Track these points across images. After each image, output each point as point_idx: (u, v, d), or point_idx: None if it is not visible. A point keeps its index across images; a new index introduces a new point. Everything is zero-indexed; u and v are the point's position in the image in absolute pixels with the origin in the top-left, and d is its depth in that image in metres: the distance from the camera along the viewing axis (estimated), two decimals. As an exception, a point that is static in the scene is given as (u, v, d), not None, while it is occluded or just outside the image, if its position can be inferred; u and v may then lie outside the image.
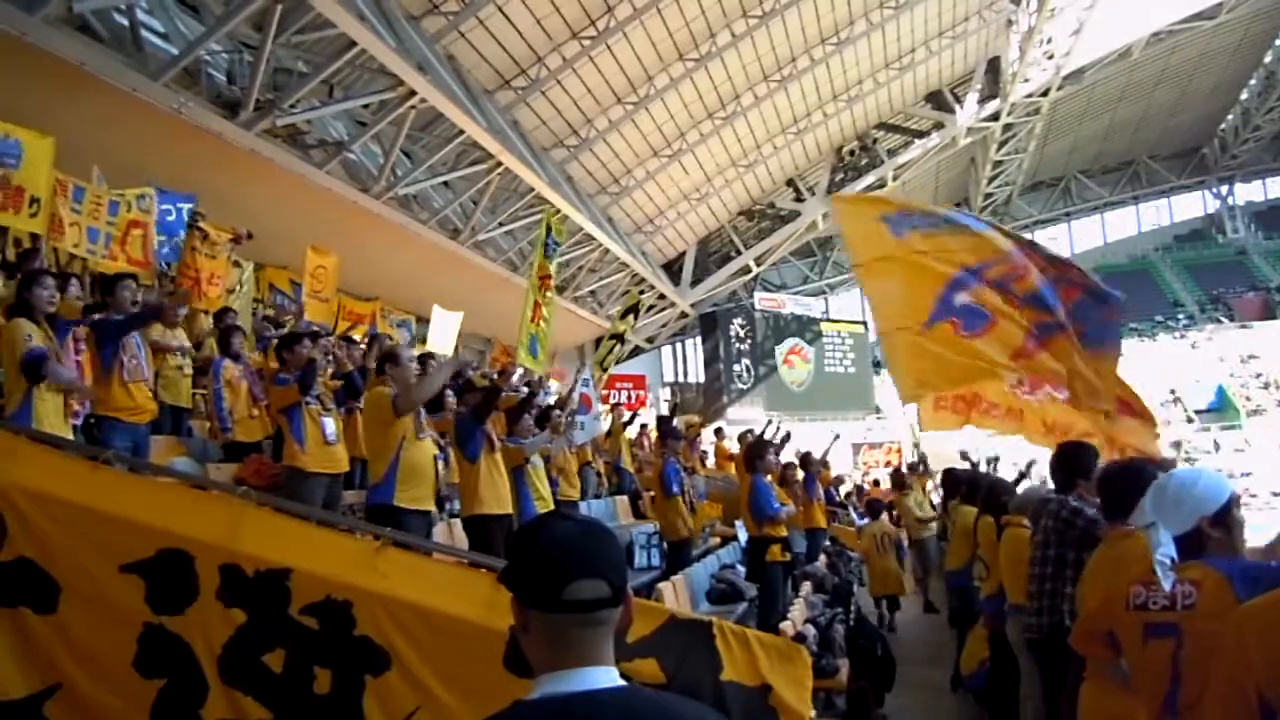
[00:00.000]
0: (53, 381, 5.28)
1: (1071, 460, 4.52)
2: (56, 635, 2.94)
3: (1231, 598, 2.48)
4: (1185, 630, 2.59)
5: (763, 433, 12.67)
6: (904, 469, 15.55)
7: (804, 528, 11.93)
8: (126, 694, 2.93)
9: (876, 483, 24.69)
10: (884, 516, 13.71)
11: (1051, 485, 4.70)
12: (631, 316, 16.55)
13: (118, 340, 6.12)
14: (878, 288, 4.98)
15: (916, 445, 16.33)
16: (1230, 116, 46.41)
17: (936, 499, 13.88)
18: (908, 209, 4.96)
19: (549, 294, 8.68)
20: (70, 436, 5.57)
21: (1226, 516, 2.70)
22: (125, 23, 11.80)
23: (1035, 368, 4.68)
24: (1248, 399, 39.10)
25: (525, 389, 9.99)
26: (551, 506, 8.01)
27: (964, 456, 11.19)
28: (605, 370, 16.13)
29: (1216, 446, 36.61)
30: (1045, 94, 31.77)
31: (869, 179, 30.08)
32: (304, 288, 12.16)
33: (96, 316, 6.33)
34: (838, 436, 14.19)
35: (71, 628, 2.95)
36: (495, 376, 9.07)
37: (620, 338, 15.47)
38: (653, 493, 12.03)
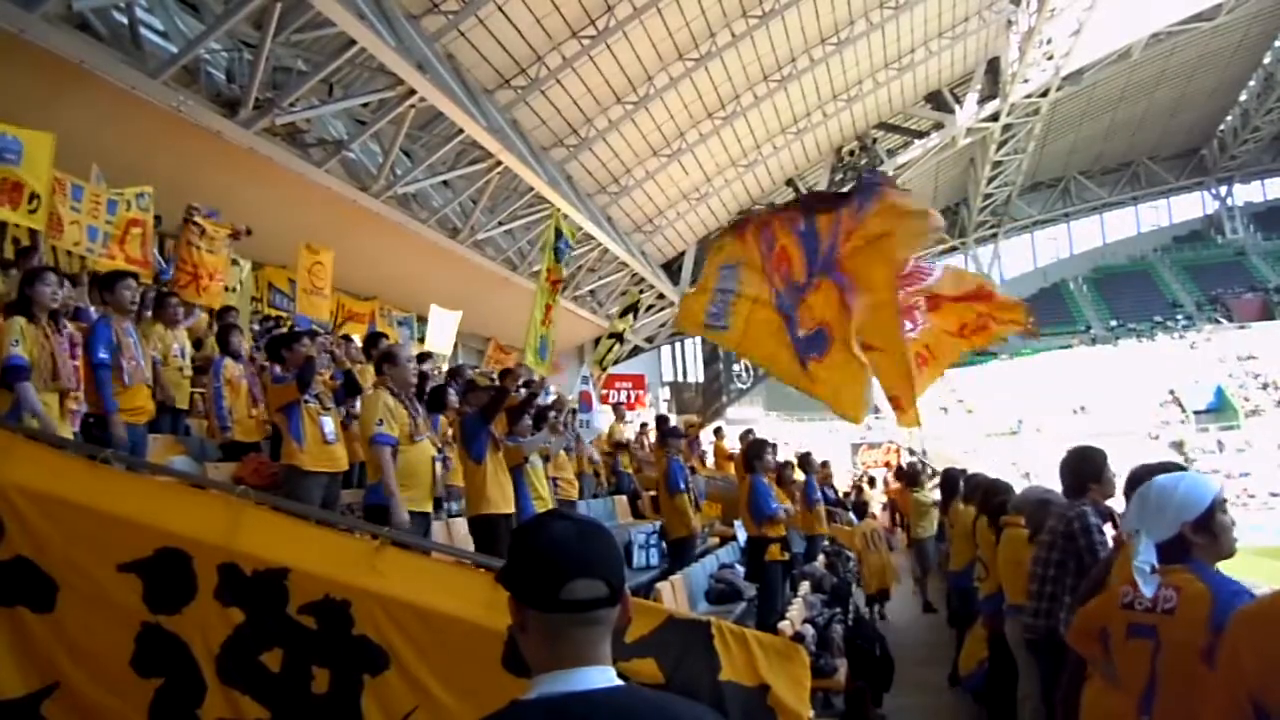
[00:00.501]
0: (23, 400, 5.19)
1: (1080, 465, 4.48)
2: (54, 634, 2.93)
3: (1207, 612, 2.50)
4: (1161, 634, 2.61)
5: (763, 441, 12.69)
6: (915, 467, 15.54)
7: (804, 532, 11.93)
8: (124, 693, 2.92)
9: (871, 481, 24.74)
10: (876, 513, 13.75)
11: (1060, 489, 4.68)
12: (631, 315, 16.58)
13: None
14: (762, 358, 4.97)
15: (912, 451, 16.31)
16: (1229, 117, 46.52)
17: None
18: (707, 278, 4.94)
19: (557, 296, 8.67)
20: (69, 433, 5.55)
21: (1210, 521, 2.71)
22: (124, 20, 11.79)
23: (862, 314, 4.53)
24: (1246, 399, 39.17)
25: (524, 389, 9.99)
26: (550, 506, 8.01)
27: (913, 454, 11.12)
28: (605, 369, 16.15)
29: (1220, 446, 36.64)
30: (1045, 94, 31.84)
31: (869, 178, 30.07)
32: (298, 284, 12.19)
33: (103, 357, 6.24)
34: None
35: (69, 627, 2.94)
36: (495, 377, 9.06)
37: (619, 336, 15.50)
38: (653, 492, 12.06)
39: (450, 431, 7.96)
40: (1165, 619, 2.61)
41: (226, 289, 10.79)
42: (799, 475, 12.76)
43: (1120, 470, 3.92)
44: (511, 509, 7.11)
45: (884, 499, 23.55)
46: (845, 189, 4.64)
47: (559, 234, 8.52)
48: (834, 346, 4.46)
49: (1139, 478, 3.25)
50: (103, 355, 6.08)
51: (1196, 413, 38.93)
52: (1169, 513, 2.72)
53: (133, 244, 9.57)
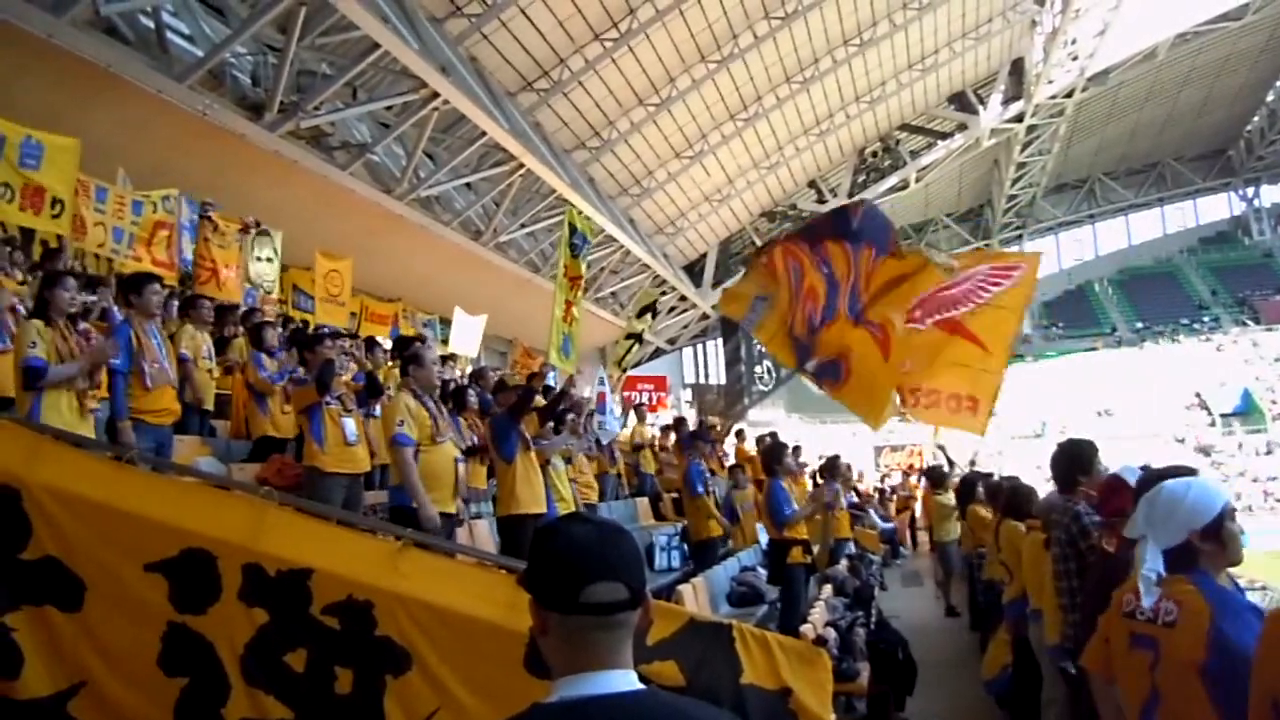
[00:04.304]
0: (53, 383, 5.22)
1: (1071, 458, 4.44)
2: (82, 633, 2.95)
3: (1205, 628, 2.44)
4: (1162, 647, 2.56)
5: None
6: (939, 470, 15.41)
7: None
8: (150, 692, 2.94)
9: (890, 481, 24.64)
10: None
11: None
12: (649, 315, 16.56)
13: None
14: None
15: (941, 448, 16.18)
16: (1256, 118, 46.05)
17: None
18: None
19: (578, 294, 8.68)
20: (90, 432, 5.60)
21: (1219, 529, 2.64)
22: (151, 25, 11.90)
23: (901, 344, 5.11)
24: (1274, 402, 38.75)
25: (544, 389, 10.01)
26: (573, 508, 8.03)
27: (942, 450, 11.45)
28: (624, 370, 16.14)
29: (1269, 449, 36.11)
30: (1069, 95, 31.61)
31: (891, 180, 30.01)
32: (316, 291, 12.32)
33: (116, 363, 6.25)
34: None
35: (96, 626, 2.96)
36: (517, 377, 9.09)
37: (638, 337, 15.48)
38: (675, 494, 12.08)
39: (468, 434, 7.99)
40: (1166, 632, 2.55)
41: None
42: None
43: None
44: (542, 509, 7.12)
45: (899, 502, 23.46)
46: (850, 218, 5.38)
47: (574, 230, 8.53)
48: (851, 376, 5.30)
49: (1148, 482, 3.21)
50: (115, 362, 6.04)
51: (1223, 415, 38.53)
52: (1177, 519, 2.66)
53: (159, 246, 9.68)
